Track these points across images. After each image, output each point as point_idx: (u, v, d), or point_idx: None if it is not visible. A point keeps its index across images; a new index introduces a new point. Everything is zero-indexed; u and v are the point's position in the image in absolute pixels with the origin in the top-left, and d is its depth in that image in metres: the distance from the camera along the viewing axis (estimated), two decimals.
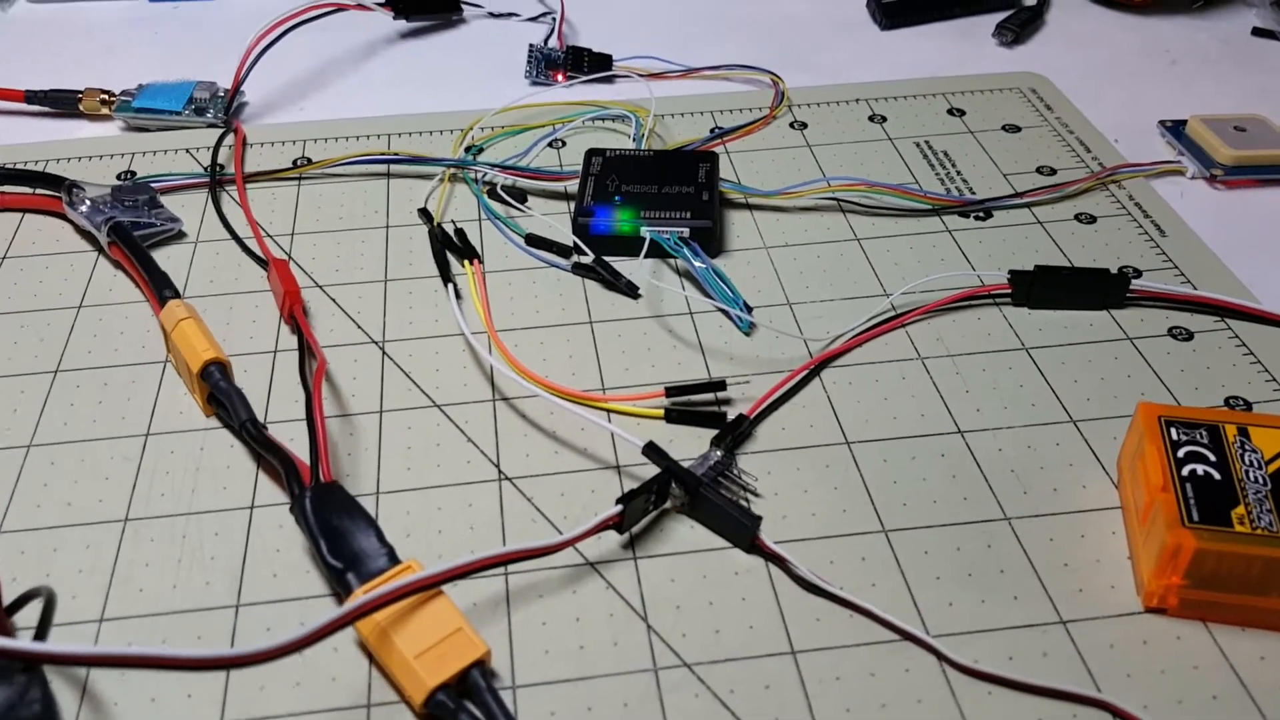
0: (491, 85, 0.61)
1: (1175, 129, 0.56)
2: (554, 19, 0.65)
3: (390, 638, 0.31)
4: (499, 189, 0.51)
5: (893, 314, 0.44)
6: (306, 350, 0.41)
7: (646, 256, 0.47)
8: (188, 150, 0.55)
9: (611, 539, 0.36)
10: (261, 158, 0.54)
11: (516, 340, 0.44)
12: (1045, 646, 0.33)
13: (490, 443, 0.39)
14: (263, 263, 0.47)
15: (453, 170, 0.52)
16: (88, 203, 0.48)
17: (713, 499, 0.36)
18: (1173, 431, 0.35)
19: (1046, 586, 0.34)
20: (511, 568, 0.35)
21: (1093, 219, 0.50)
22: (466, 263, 0.47)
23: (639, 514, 0.36)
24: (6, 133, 0.57)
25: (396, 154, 0.53)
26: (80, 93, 0.57)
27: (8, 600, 0.31)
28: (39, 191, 0.50)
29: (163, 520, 0.37)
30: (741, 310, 0.44)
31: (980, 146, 0.55)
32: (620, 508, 0.35)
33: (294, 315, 0.43)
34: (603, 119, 0.57)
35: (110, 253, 0.47)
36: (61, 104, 0.57)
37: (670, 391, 0.40)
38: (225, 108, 0.57)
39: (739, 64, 0.61)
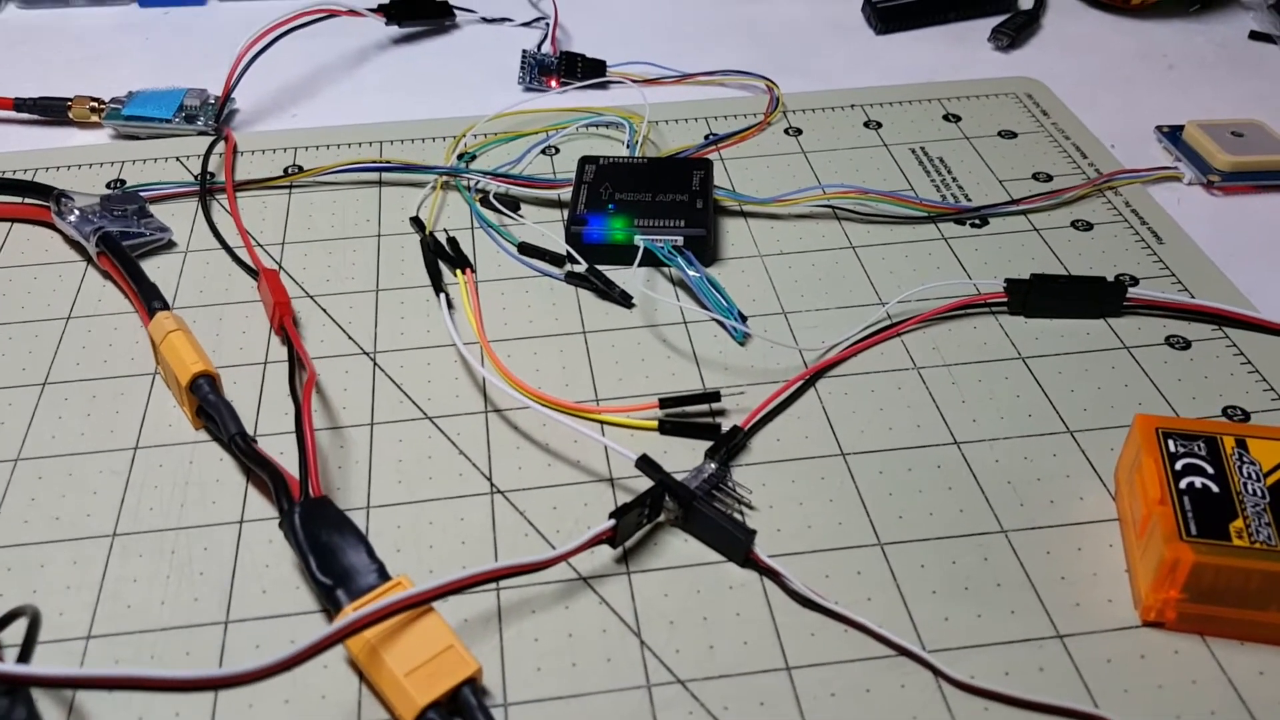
0: (484, 91, 0.61)
1: (1172, 134, 0.55)
2: (547, 24, 0.65)
3: (380, 655, 0.31)
4: (492, 197, 0.50)
5: (888, 323, 0.44)
6: (297, 362, 0.41)
7: (640, 265, 0.46)
8: (178, 158, 0.54)
9: (604, 553, 0.36)
10: (252, 166, 0.54)
11: (509, 351, 0.43)
12: (1042, 661, 0.33)
13: (482, 455, 0.39)
14: (253, 273, 0.47)
15: (445, 178, 0.52)
16: (76, 212, 0.47)
17: (707, 512, 0.35)
18: (1170, 443, 0.35)
19: (1043, 600, 0.34)
20: (503, 583, 0.35)
21: (1089, 226, 0.49)
22: (459, 272, 0.46)
23: (632, 528, 0.36)
24: None
25: (388, 162, 0.53)
26: (70, 100, 0.57)
27: None
28: (27, 201, 0.50)
29: (151, 535, 0.37)
30: (736, 320, 0.43)
31: (976, 153, 0.54)
32: (613, 522, 0.34)
33: (284, 326, 0.42)
34: (596, 125, 0.57)
35: (99, 263, 0.47)
36: (51, 112, 0.57)
37: (664, 403, 0.40)
38: (216, 115, 0.56)
39: (733, 69, 0.61)
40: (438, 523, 0.37)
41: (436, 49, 0.66)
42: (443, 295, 0.45)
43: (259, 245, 0.49)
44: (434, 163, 0.53)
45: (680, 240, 0.46)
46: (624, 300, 0.45)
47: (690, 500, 0.35)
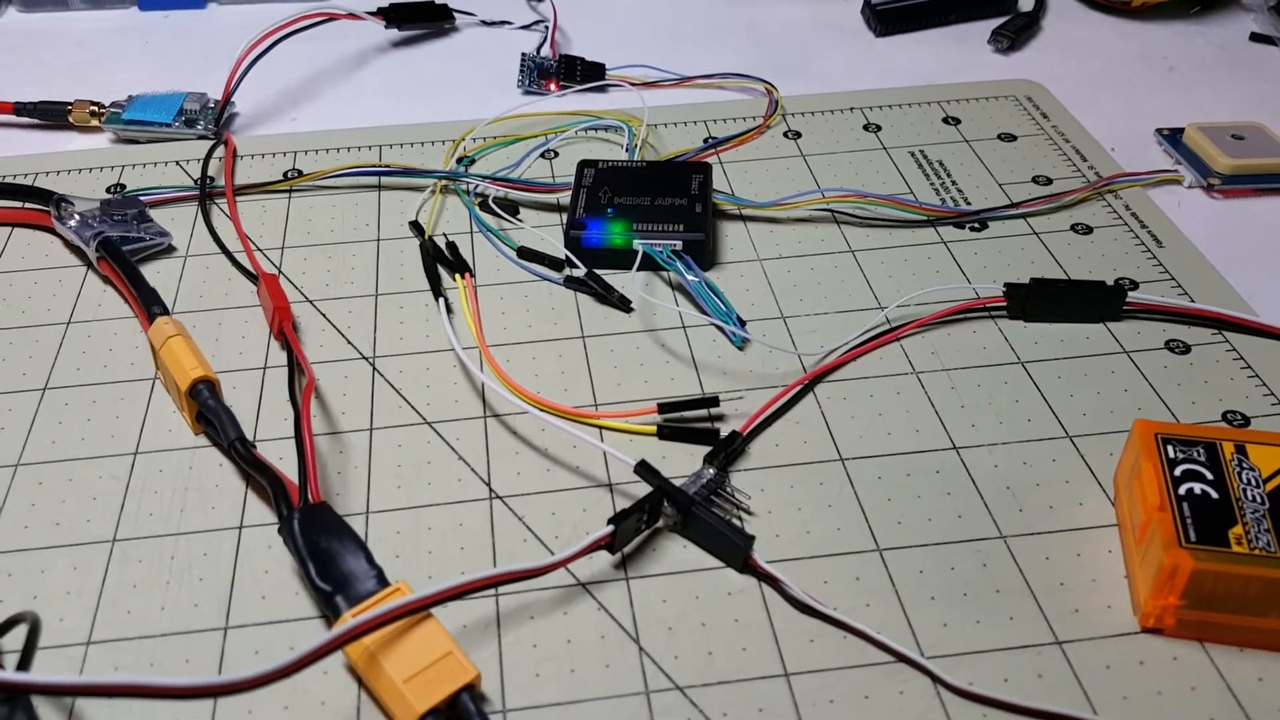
0: (484, 94, 0.61)
1: (1172, 137, 0.55)
2: (546, 27, 0.65)
3: (379, 662, 0.31)
4: (491, 201, 0.50)
5: (887, 327, 0.44)
6: (296, 367, 0.41)
7: (639, 270, 0.46)
8: (178, 162, 0.54)
9: (603, 559, 0.36)
10: (252, 170, 0.54)
11: (508, 355, 0.43)
12: (1041, 668, 0.33)
13: (481, 461, 0.39)
14: (253, 277, 0.47)
15: (444, 182, 0.52)
16: (76, 217, 0.48)
17: (705, 518, 0.35)
18: (1170, 449, 0.35)
19: (1042, 606, 0.34)
20: (502, 589, 0.35)
21: (1089, 230, 0.49)
22: (458, 276, 0.46)
23: (631, 534, 0.36)
24: None
25: (388, 166, 0.53)
26: (70, 104, 0.57)
27: None
28: (28, 205, 0.50)
29: (151, 541, 0.37)
30: (735, 325, 0.43)
31: (976, 156, 0.54)
32: (612, 528, 0.34)
33: (284, 331, 0.42)
34: (595, 129, 0.57)
35: (99, 268, 0.47)
36: (51, 116, 0.57)
37: (663, 408, 0.40)
38: (216, 119, 0.56)
39: (733, 72, 0.61)
40: (436, 528, 0.37)
41: (436, 52, 0.66)
42: (442, 300, 0.45)
43: (258, 249, 0.49)
44: (433, 166, 0.53)
45: (679, 244, 0.46)
46: (623, 305, 0.45)
47: (689, 506, 0.35)
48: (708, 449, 0.39)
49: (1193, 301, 0.45)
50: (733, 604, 0.34)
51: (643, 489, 0.36)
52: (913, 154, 0.55)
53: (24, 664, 0.29)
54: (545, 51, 0.63)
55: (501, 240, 0.49)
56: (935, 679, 0.32)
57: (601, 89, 0.61)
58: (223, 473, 0.39)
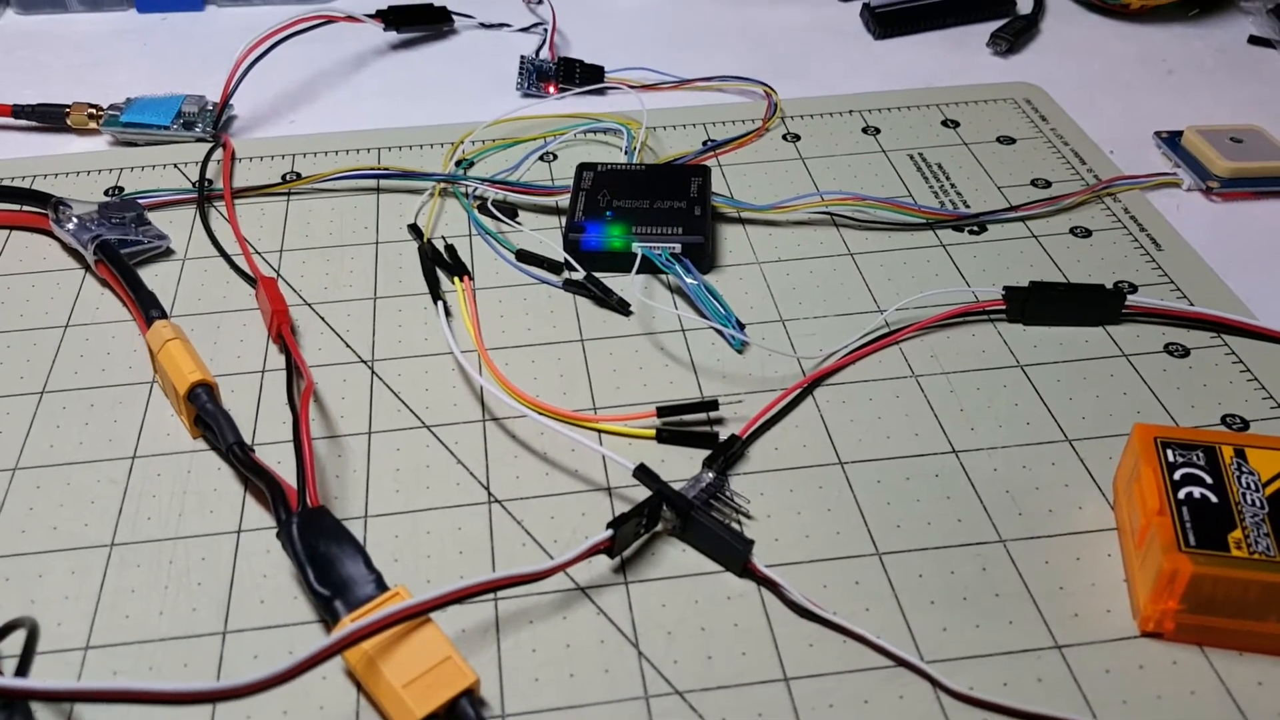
0: (482, 97, 0.61)
1: (1171, 140, 0.55)
2: (545, 30, 0.65)
3: (378, 667, 0.31)
4: (489, 204, 0.50)
5: (886, 331, 0.44)
6: (295, 371, 0.41)
7: (638, 273, 0.46)
8: (176, 165, 0.54)
9: (602, 563, 0.36)
10: (250, 172, 0.54)
11: (507, 359, 0.43)
12: (1040, 672, 0.33)
13: (480, 464, 0.39)
14: (251, 280, 0.47)
15: (443, 185, 0.52)
16: (75, 220, 0.47)
17: (705, 522, 0.35)
18: (1169, 453, 0.35)
19: (1042, 611, 0.34)
20: (501, 593, 0.35)
21: (1088, 233, 0.49)
22: (457, 279, 0.46)
23: (630, 538, 0.36)
24: None
25: (386, 169, 0.53)
26: (68, 107, 0.57)
27: None
28: (25, 208, 0.50)
29: (149, 545, 0.37)
30: (734, 328, 0.43)
31: (975, 158, 0.54)
32: (611, 532, 0.34)
33: (282, 334, 0.42)
34: (594, 132, 0.57)
35: (97, 271, 0.47)
36: (49, 118, 0.57)
37: (662, 411, 0.40)
38: (214, 122, 0.56)
39: (731, 75, 0.61)
40: (435, 532, 0.37)
41: (434, 55, 0.66)
42: (440, 303, 0.45)
43: (257, 253, 0.49)
44: (432, 169, 0.53)
45: (678, 247, 0.46)
46: (622, 308, 0.45)
47: (688, 510, 0.35)
48: (707, 452, 0.38)
49: (1192, 305, 0.45)
50: (732, 608, 0.34)
51: (642, 493, 0.36)
52: (911, 157, 0.55)
53: (22, 669, 0.29)
54: (544, 54, 0.63)
55: (500, 243, 0.49)
56: (935, 683, 0.32)
57: (600, 92, 0.61)
58: (221, 477, 0.39)
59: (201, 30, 0.68)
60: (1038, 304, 0.44)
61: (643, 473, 0.36)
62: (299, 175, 0.53)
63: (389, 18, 0.64)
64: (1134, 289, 0.46)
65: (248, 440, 0.39)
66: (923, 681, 0.32)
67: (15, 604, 0.35)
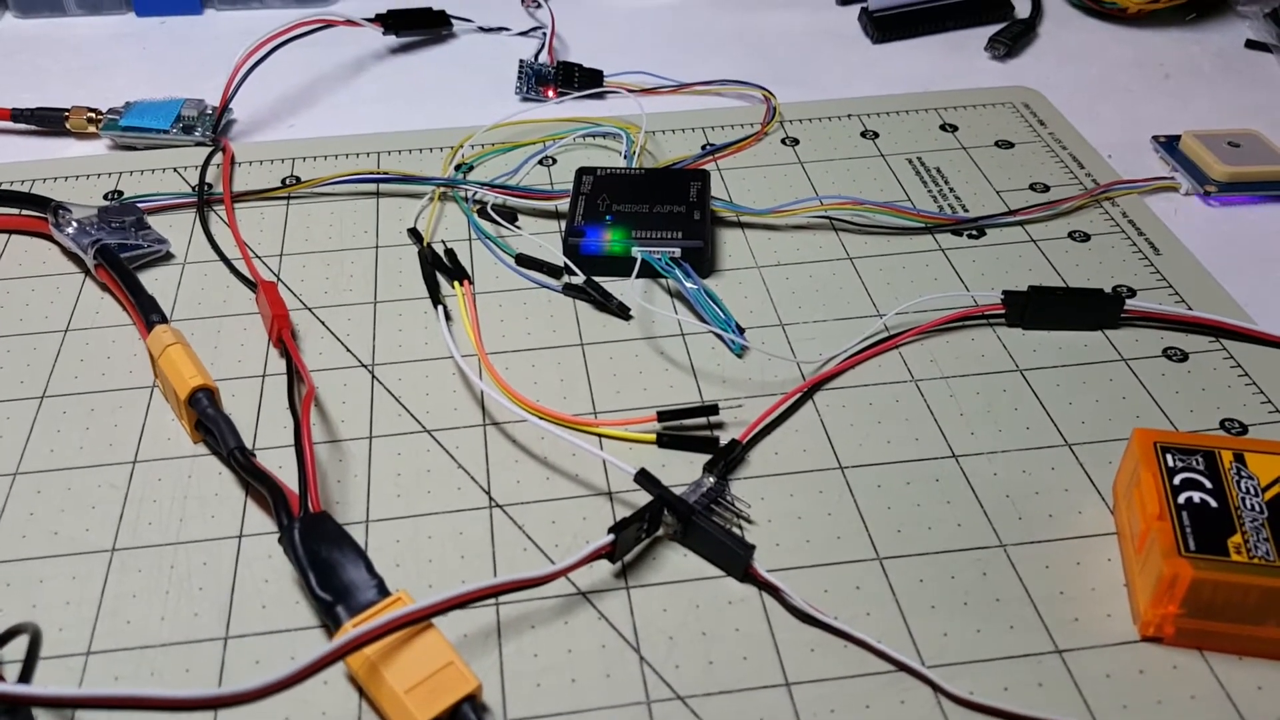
0: (482, 101, 0.61)
1: (1169, 144, 0.55)
2: (544, 34, 0.65)
3: (380, 672, 0.31)
4: (489, 208, 0.50)
5: (886, 335, 0.44)
6: (295, 375, 0.41)
7: (638, 277, 0.46)
8: (175, 169, 0.54)
9: (603, 568, 0.36)
10: (250, 176, 0.54)
11: (507, 363, 0.43)
12: (1041, 677, 0.33)
13: (481, 469, 0.39)
14: (251, 285, 0.47)
15: (443, 189, 0.52)
16: (74, 224, 0.47)
17: (706, 527, 0.35)
18: (1169, 458, 0.35)
19: (1042, 615, 0.34)
20: (503, 598, 0.35)
21: (1086, 237, 0.49)
22: (457, 284, 0.46)
23: (631, 543, 0.36)
24: None
25: (386, 173, 0.53)
26: (67, 111, 0.57)
27: None
28: (25, 212, 0.50)
29: (150, 550, 0.37)
30: (733, 333, 0.44)
31: (973, 162, 0.54)
32: (612, 537, 0.34)
33: (283, 339, 0.42)
34: (594, 136, 0.57)
35: (97, 275, 0.47)
36: (48, 122, 0.57)
37: (662, 416, 0.40)
38: (213, 126, 0.56)
39: (730, 79, 0.61)
40: (436, 537, 0.37)
41: (434, 59, 0.66)
42: (440, 307, 0.45)
43: (257, 257, 0.49)
44: (431, 173, 0.53)
45: (678, 252, 0.46)
46: (622, 312, 0.45)
47: (689, 515, 0.36)
48: (707, 457, 0.39)
49: (1190, 309, 0.45)
50: (733, 613, 0.34)
51: (643, 497, 0.36)
52: (910, 161, 0.55)
53: (25, 676, 0.29)
54: (543, 58, 0.63)
55: (500, 247, 0.49)
56: (936, 688, 0.32)
57: (599, 95, 0.61)
58: (222, 481, 0.39)
59: (200, 34, 0.68)
60: (1037, 308, 0.44)
61: (644, 478, 0.36)
62: (299, 179, 0.53)
63: (388, 21, 0.64)
64: (1132, 293, 0.46)
65: (249, 445, 0.39)
66: (924, 686, 0.32)
67: (16, 609, 0.35)
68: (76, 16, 0.69)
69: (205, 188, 0.52)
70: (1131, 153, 0.56)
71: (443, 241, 0.49)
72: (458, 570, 0.36)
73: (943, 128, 0.57)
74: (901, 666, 0.33)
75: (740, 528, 0.37)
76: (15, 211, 0.50)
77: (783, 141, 0.56)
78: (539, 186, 0.52)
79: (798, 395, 0.41)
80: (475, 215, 0.50)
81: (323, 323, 0.45)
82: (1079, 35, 0.67)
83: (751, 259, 0.48)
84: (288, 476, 0.37)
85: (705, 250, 0.47)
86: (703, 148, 0.56)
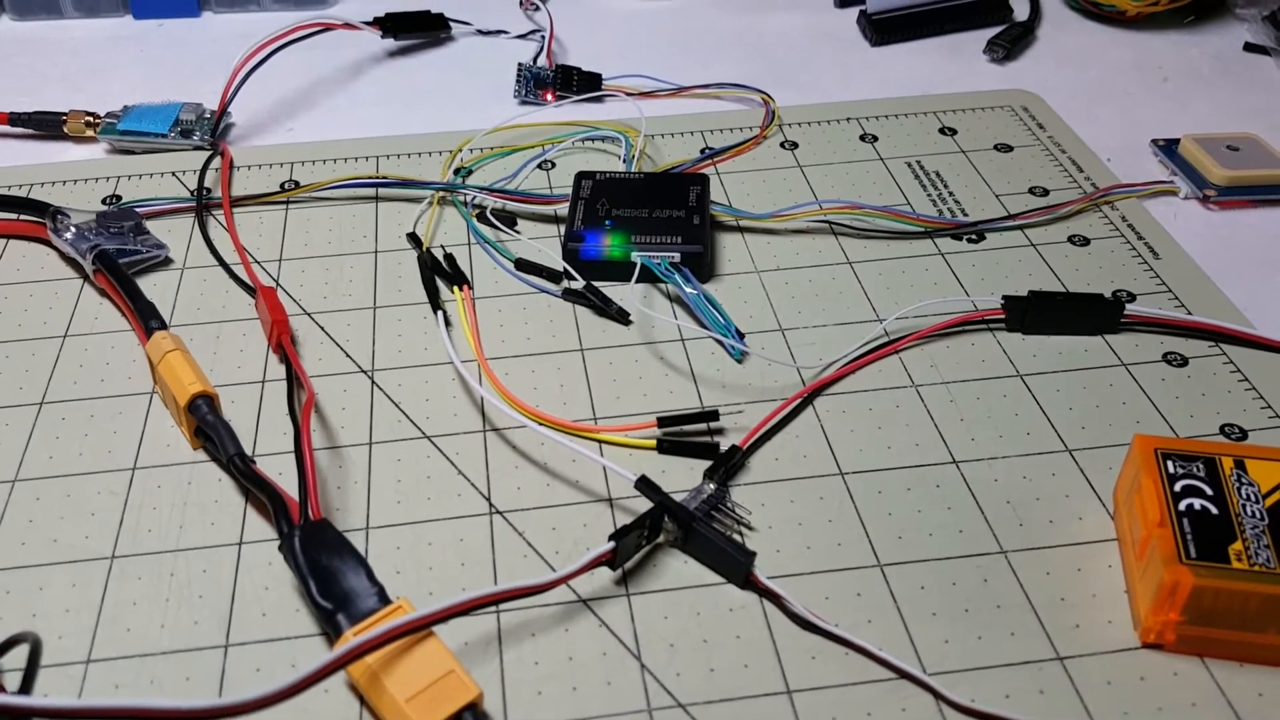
0: (480, 104, 0.61)
1: (1168, 148, 0.55)
2: (543, 37, 0.65)
3: (381, 681, 0.31)
4: (488, 213, 0.50)
5: (886, 340, 0.44)
6: (295, 381, 0.41)
7: (637, 282, 0.46)
8: (174, 173, 0.54)
9: (604, 575, 0.36)
10: (249, 181, 0.54)
11: (507, 368, 0.43)
12: (1042, 684, 0.33)
13: (481, 475, 0.39)
14: (250, 290, 0.47)
15: (442, 193, 0.52)
16: (73, 229, 0.47)
17: (706, 534, 0.35)
18: (1169, 464, 0.35)
19: (1043, 622, 0.34)
20: (503, 606, 0.35)
21: (1086, 241, 0.49)
22: (456, 289, 0.46)
23: (632, 550, 0.36)
24: None
25: (385, 177, 0.53)
26: (65, 115, 0.56)
27: None
28: (23, 217, 0.50)
29: (150, 557, 0.37)
30: (733, 338, 0.44)
31: (972, 166, 0.54)
32: (613, 544, 0.34)
33: (282, 345, 0.42)
34: (592, 139, 0.57)
35: (96, 280, 0.47)
36: (46, 126, 0.57)
37: (662, 422, 0.40)
38: (212, 130, 0.56)
39: (729, 83, 0.61)
40: (437, 544, 0.37)
41: (432, 62, 0.66)
42: (440, 312, 0.45)
43: (256, 262, 0.48)
44: (430, 178, 0.53)
45: (677, 256, 0.46)
46: (621, 317, 0.45)
47: (689, 522, 0.35)
48: (708, 463, 0.38)
49: (1190, 314, 0.45)
50: (734, 620, 0.34)
51: (643, 504, 0.36)
52: (909, 164, 0.55)
53: (26, 686, 0.29)
54: (542, 61, 0.63)
55: (499, 252, 0.49)
56: (937, 695, 0.32)
57: (598, 99, 0.61)
58: (222, 488, 0.39)
59: (198, 36, 0.68)
60: (1037, 313, 0.44)
61: (644, 484, 0.36)
62: (297, 184, 0.53)
63: (387, 25, 0.64)
64: (1132, 298, 0.46)
65: (248, 451, 0.39)
66: (925, 693, 0.32)
67: (16, 617, 0.35)
68: (73, 19, 0.69)
69: (204, 192, 0.52)
70: (1130, 156, 0.56)
71: (442, 246, 0.49)
72: (458, 577, 0.36)
73: (942, 131, 0.57)
74: (903, 674, 0.33)
75: (741, 534, 0.37)
76: (13, 216, 0.50)
77: (782, 145, 0.56)
78: (538, 191, 0.52)
79: (798, 401, 0.41)
80: (474, 220, 0.50)
81: (322, 328, 0.45)
82: (1078, 38, 0.67)
83: (751, 264, 0.48)
84: (288, 483, 0.37)
85: (705, 255, 0.47)
86: (702, 152, 0.56)
